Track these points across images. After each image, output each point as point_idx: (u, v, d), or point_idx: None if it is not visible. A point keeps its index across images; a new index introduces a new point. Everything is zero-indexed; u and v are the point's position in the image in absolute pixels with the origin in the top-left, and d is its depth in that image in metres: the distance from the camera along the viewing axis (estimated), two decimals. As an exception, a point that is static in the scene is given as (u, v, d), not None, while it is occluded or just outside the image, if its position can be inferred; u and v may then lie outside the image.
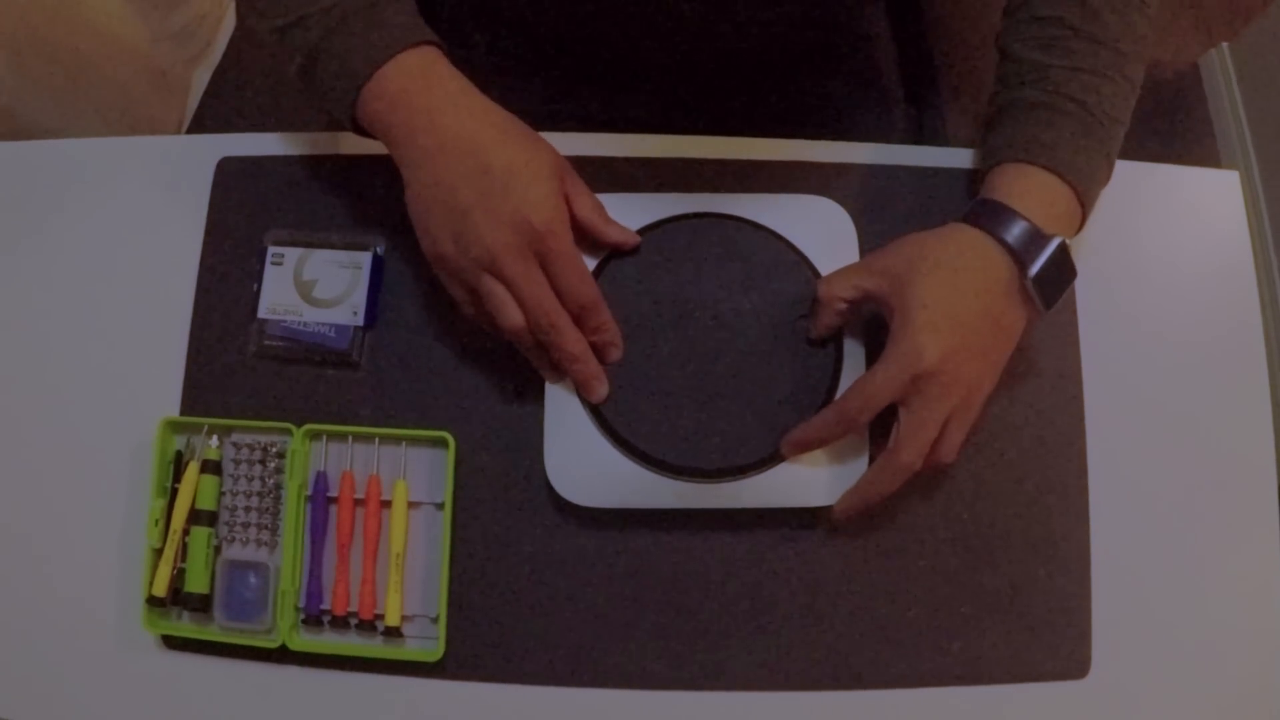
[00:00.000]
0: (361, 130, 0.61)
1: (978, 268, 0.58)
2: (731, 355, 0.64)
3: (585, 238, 0.62)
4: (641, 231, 0.65)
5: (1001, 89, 0.65)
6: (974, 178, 0.69)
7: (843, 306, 0.60)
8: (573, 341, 0.59)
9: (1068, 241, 0.59)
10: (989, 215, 0.59)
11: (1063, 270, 0.59)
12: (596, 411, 0.63)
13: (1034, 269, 0.57)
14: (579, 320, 0.60)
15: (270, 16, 0.60)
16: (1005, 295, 0.58)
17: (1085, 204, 0.61)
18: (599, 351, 0.62)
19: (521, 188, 0.56)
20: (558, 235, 0.57)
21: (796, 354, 0.64)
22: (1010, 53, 0.65)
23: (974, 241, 0.58)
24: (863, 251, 0.66)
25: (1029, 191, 0.60)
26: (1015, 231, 0.58)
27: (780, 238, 0.66)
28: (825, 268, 0.65)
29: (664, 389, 0.63)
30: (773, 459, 0.62)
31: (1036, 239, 0.58)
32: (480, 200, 0.56)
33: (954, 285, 0.57)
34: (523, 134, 0.59)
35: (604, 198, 0.65)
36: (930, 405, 0.56)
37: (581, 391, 0.62)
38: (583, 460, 0.62)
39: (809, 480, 0.63)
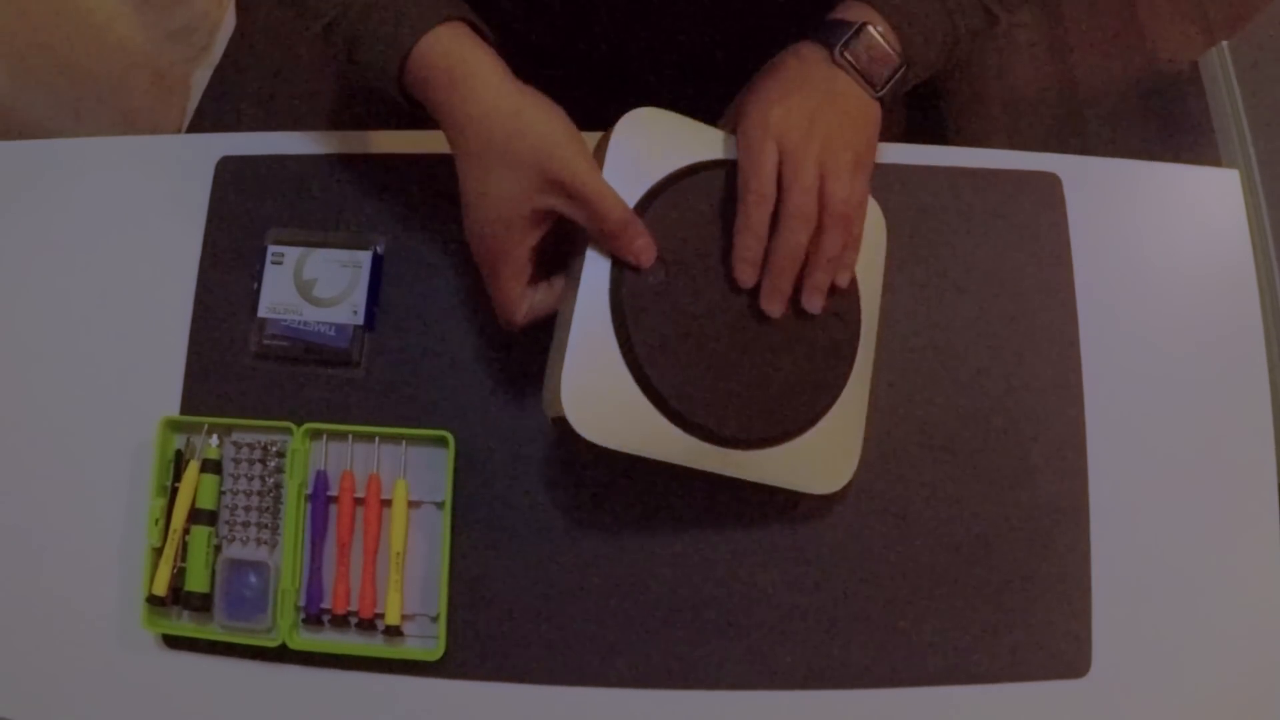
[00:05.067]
0: (413, 102, 0.63)
1: (793, 62, 0.63)
2: (763, 322, 0.61)
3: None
4: (692, 169, 0.62)
5: None
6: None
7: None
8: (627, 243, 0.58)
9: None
10: (813, 31, 0.65)
11: (875, 52, 0.63)
12: (630, 350, 0.58)
13: (838, 45, 0.62)
14: (614, 241, 0.58)
15: (314, 19, 0.62)
16: (824, 68, 0.63)
17: (903, 36, 0.64)
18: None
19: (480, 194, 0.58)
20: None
21: (817, 329, 0.62)
22: None
23: (795, 48, 0.64)
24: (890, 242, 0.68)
25: (849, 9, 0.65)
26: (824, 27, 0.64)
27: None
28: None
29: (697, 340, 0.60)
30: (783, 436, 0.61)
31: (841, 27, 0.63)
32: (467, 198, 0.59)
33: (777, 80, 0.62)
34: (490, 149, 0.58)
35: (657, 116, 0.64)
36: (800, 149, 0.59)
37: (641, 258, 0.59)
38: (602, 395, 0.58)
39: (814, 464, 0.62)
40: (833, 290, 0.61)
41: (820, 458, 0.63)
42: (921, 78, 0.67)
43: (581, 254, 0.59)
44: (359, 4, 0.60)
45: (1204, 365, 0.70)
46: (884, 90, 0.64)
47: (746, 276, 0.59)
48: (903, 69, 0.64)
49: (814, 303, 0.60)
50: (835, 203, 0.59)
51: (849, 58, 0.63)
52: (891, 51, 0.64)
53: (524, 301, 0.60)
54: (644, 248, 0.58)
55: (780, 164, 0.59)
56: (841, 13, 0.65)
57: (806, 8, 0.78)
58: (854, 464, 0.64)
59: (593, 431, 0.57)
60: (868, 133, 0.63)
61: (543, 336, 0.68)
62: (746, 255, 0.59)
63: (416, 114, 0.63)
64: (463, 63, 0.59)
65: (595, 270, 0.58)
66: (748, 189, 0.59)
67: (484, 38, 0.61)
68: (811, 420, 0.62)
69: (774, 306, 0.59)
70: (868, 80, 0.63)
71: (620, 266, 0.58)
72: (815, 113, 0.60)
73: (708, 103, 0.86)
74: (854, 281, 0.64)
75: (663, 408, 0.58)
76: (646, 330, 0.58)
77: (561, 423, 0.56)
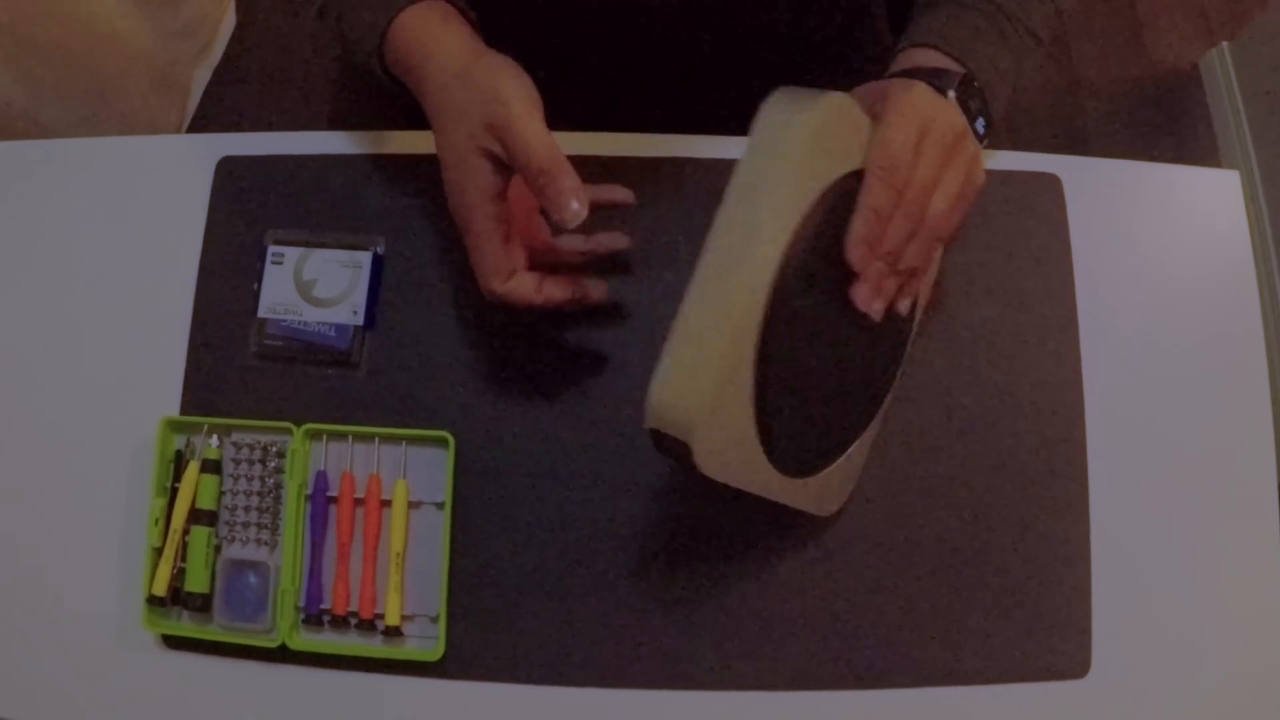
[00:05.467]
0: (396, 81, 0.66)
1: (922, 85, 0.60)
2: (850, 356, 0.58)
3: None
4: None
5: None
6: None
7: None
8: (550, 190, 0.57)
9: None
10: (915, 76, 0.61)
11: (977, 107, 0.63)
12: (763, 383, 0.51)
13: (951, 92, 0.61)
14: (541, 191, 0.57)
15: (308, 3, 0.69)
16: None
17: (985, 96, 0.63)
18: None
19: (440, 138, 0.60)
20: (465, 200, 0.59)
21: (876, 366, 0.61)
22: None
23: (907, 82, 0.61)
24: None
25: (928, 60, 0.64)
26: (923, 73, 0.61)
27: None
28: None
29: (808, 377, 0.55)
30: (823, 465, 0.60)
31: (945, 75, 0.62)
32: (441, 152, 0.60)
33: (923, 87, 0.58)
34: (445, 103, 0.60)
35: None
36: (932, 146, 0.55)
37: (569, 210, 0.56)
38: (724, 425, 0.50)
39: (826, 489, 0.62)
40: (895, 314, 0.56)
41: (831, 483, 0.63)
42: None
43: (740, 258, 0.48)
44: None
45: (1204, 365, 0.70)
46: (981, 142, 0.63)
47: (860, 257, 0.52)
48: (990, 129, 0.63)
49: (876, 306, 0.54)
50: (932, 215, 0.54)
51: (970, 106, 0.62)
52: (986, 108, 0.63)
53: (504, 267, 0.59)
54: (569, 190, 0.55)
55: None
56: (936, 61, 0.63)
57: (807, 14, 0.78)
58: (849, 489, 0.65)
59: (711, 465, 0.50)
60: (976, 175, 0.58)
61: (533, 335, 0.68)
62: (867, 234, 0.52)
63: (401, 97, 0.66)
64: (431, 36, 0.62)
65: (756, 283, 0.49)
66: (881, 166, 0.52)
67: (464, 15, 0.64)
68: (841, 452, 0.62)
69: (864, 297, 0.53)
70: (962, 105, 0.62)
71: (783, 285, 0.49)
72: (957, 124, 0.56)
73: (710, 102, 0.86)
74: (913, 316, 0.62)
75: (767, 444, 0.53)
76: (782, 363, 0.51)
77: (675, 445, 0.48)
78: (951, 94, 0.61)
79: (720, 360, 0.48)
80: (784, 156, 0.49)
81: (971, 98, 0.62)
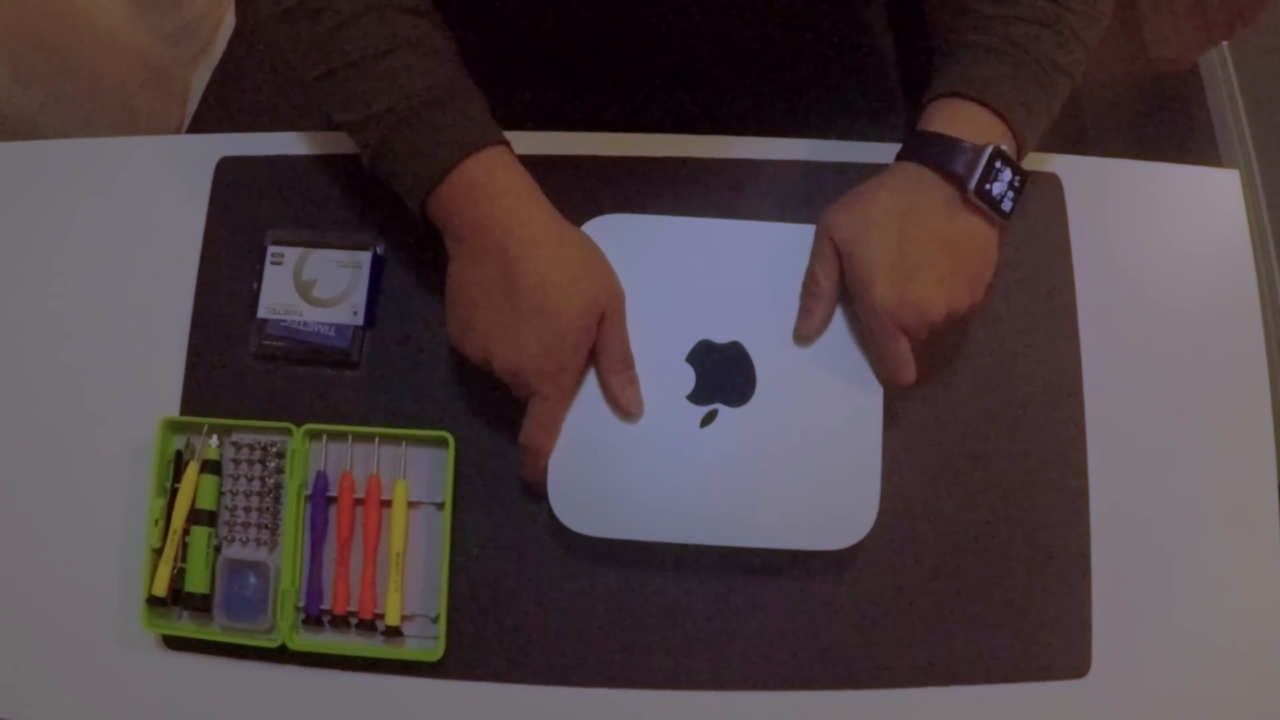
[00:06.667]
0: (425, 215, 0.62)
1: (920, 204, 0.59)
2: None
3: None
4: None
5: (946, 36, 0.66)
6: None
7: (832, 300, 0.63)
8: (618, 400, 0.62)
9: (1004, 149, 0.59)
10: (923, 146, 0.61)
11: (1007, 176, 0.59)
12: None
13: (972, 183, 0.58)
14: (614, 378, 0.62)
15: (344, 111, 0.62)
16: (951, 216, 0.59)
17: (1017, 135, 0.61)
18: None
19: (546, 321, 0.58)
20: (559, 376, 0.59)
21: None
22: (957, 4, 0.64)
23: (911, 177, 0.60)
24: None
25: (961, 119, 0.61)
26: (947, 154, 0.59)
27: None
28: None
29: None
30: None
31: (968, 153, 0.59)
32: (501, 322, 0.58)
33: (900, 230, 0.59)
34: (572, 261, 0.60)
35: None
36: (910, 335, 0.60)
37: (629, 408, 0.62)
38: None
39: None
40: None
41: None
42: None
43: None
44: (404, 110, 0.59)
45: (1204, 365, 0.70)
46: (1012, 213, 0.60)
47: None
48: (1019, 184, 0.60)
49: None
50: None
51: (982, 196, 0.59)
52: (1020, 169, 0.60)
53: (559, 429, 0.62)
54: (634, 384, 0.62)
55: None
56: (971, 119, 0.60)
57: (804, 15, 0.78)
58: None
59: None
60: (977, 277, 0.62)
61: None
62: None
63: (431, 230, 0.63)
64: (523, 178, 0.61)
65: None
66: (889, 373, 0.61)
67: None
68: None
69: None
70: (996, 208, 0.60)
71: None
72: (930, 283, 0.59)
73: (708, 101, 0.86)
74: None
75: None
76: None
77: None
78: (964, 191, 0.59)
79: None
80: None
81: (1000, 166, 0.59)
